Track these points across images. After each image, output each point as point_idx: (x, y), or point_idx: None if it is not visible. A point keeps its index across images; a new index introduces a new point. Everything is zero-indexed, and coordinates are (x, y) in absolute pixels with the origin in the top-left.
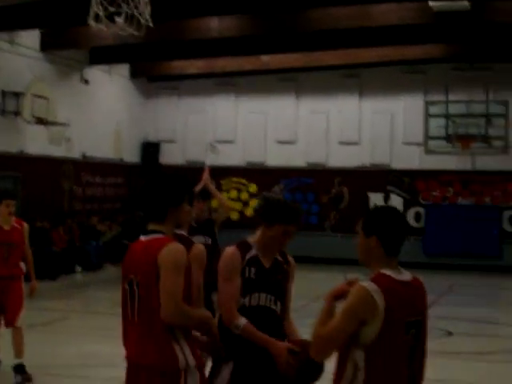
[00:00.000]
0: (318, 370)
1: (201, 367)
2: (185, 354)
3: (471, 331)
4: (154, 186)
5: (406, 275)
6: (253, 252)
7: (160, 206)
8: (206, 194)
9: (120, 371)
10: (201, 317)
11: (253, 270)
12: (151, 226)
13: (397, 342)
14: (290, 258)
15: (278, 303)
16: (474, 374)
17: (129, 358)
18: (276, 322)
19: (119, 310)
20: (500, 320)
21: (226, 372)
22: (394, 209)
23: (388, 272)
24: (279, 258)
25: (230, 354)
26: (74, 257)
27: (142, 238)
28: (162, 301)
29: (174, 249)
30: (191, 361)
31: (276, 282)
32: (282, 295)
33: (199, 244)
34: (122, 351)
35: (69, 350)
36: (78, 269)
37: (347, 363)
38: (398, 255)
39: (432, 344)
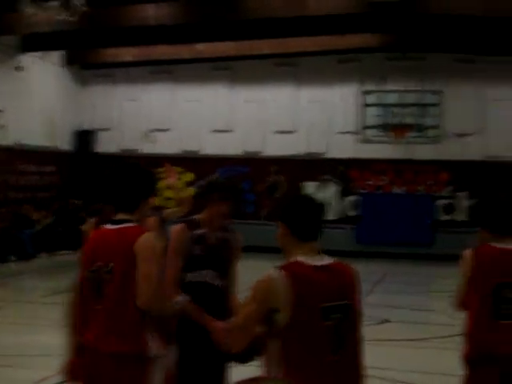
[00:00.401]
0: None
1: (163, 355)
2: (152, 342)
3: (406, 319)
4: (127, 176)
5: (324, 260)
6: (200, 229)
7: (133, 197)
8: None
9: (57, 360)
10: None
11: (200, 246)
12: (120, 216)
13: (312, 327)
14: (238, 235)
15: (224, 279)
16: (409, 361)
17: (89, 344)
18: (220, 298)
19: (54, 299)
20: (433, 307)
21: (173, 353)
22: (305, 196)
23: (300, 258)
24: (225, 235)
25: (176, 335)
26: (7, 246)
27: (110, 226)
28: (140, 287)
29: (151, 237)
30: (158, 349)
31: (221, 258)
32: (227, 271)
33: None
34: (58, 340)
35: (4, 339)
36: (12, 258)
37: (270, 352)
38: (315, 240)
39: (367, 331)
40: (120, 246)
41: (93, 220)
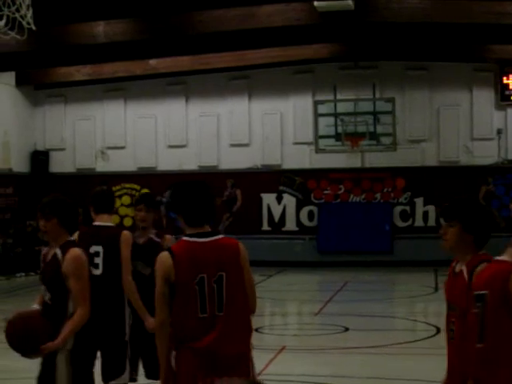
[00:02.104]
0: None
1: None
2: None
3: (367, 326)
4: (210, 194)
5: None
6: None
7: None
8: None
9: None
10: None
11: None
12: (200, 229)
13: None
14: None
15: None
16: (371, 368)
17: (209, 349)
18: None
19: None
20: (394, 313)
21: None
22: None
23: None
24: (154, 238)
25: None
26: None
27: (200, 239)
28: (251, 294)
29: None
30: None
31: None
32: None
33: None
34: (21, 364)
35: None
36: None
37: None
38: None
39: (328, 340)
40: (228, 257)
41: (171, 237)
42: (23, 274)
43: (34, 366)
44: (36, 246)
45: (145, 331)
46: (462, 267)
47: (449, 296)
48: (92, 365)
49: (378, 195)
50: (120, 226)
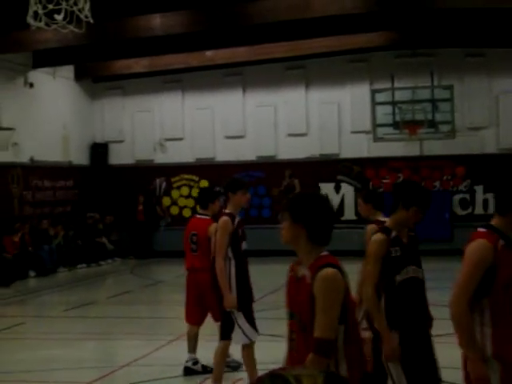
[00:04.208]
0: None
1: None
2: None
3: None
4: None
5: None
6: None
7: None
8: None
9: (77, 374)
10: None
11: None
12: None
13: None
14: None
15: None
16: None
17: None
18: None
19: (75, 313)
20: None
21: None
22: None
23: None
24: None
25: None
26: (26, 262)
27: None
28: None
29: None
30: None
31: None
32: None
33: None
34: (81, 353)
35: (26, 355)
36: (32, 274)
37: None
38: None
39: None
40: None
41: (373, 226)
42: (84, 265)
43: (85, 354)
44: (96, 237)
45: None
46: (305, 271)
47: (290, 303)
48: None
49: (437, 183)
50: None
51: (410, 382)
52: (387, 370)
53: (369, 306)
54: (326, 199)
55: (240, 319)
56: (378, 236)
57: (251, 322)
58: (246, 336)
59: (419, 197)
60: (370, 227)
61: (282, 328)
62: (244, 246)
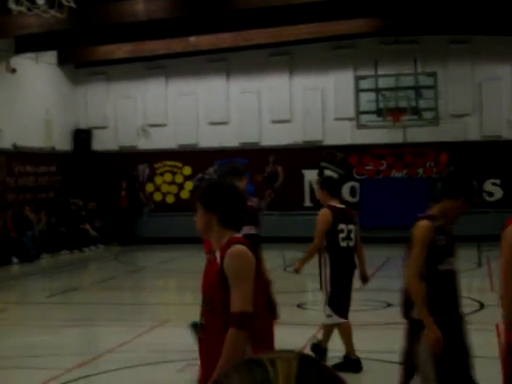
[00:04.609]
0: None
1: None
2: None
3: None
4: None
5: None
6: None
7: None
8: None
9: (65, 359)
10: None
11: None
12: None
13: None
14: None
15: None
16: None
17: None
18: None
19: (59, 299)
20: None
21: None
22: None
23: None
24: None
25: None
26: (9, 248)
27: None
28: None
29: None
30: None
31: None
32: None
33: None
34: (65, 339)
35: (9, 341)
36: (15, 260)
37: None
38: None
39: (371, 316)
40: None
41: (325, 210)
42: (67, 251)
43: (68, 341)
44: (79, 223)
45: None
46: (216, 255)
47: (203, 289)
48: None
49: (421, 170)
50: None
51: (440, 376)
52: (415, 361)
53: (411, 292)
54: (234, 186)
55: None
56: (425, 222)
57: None
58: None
59: (469, 188)
60: (322, 211)
61: None
62: (248, 230)
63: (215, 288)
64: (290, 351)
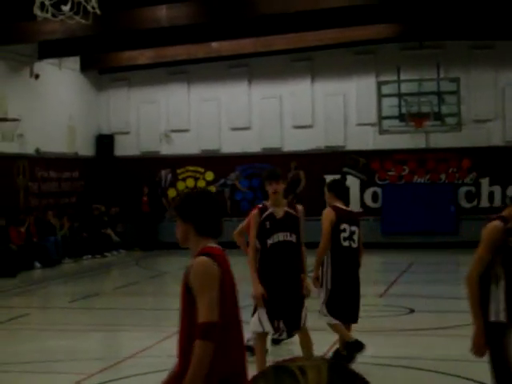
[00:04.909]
0: None
1: None
2: None
3: (432, 308)
4: None
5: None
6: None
7: None
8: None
9: (82, 365)
10: None
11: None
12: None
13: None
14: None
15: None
16: (437, 350)
17: None
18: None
19: (81, 304)
20: (459, 295)
21: None
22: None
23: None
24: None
25: None
26: (32, 253)
27: None
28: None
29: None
30: None
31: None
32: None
33: None
34: (86, 344)
35: (31, 346)
36: (37, 265)
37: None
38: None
39: (394, 322)
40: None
41: (329, 209)
42: (90, 256)
43: (90, 346)
44: (102, 228)
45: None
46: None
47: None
48: None
49: (443, 176)
50: None
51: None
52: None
53: (467, 290)
54: (209, 195)
55: (261, 308)
56: (496, 223)
57: (270, 314)
58: (261, 324)
59: None
60: (326, 210)
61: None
62: (276, 238)
63: (182, 297)
64: (319, 358)
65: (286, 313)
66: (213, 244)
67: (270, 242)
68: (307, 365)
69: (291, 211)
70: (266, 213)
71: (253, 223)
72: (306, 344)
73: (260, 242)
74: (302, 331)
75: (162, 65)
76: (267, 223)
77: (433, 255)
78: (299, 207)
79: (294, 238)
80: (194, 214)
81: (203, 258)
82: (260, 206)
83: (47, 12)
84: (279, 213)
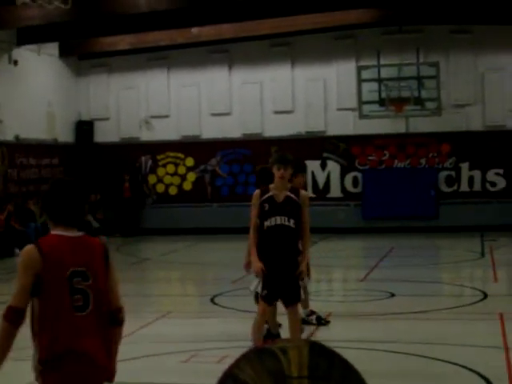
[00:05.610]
0: None
1: None
2: None
3: (413, 292)
4: None
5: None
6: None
7: None
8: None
9: None
10: None
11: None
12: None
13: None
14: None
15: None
16: (417, 334)
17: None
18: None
19: None
20: (440, 279)
21: None
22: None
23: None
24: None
25: None
26: (12, 240)
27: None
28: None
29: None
30: None
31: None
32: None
33: None
34: None
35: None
36: (18, 252)
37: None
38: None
39: (375, 306)
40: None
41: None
42: None
43: None
44: None
45: None
46: None
47: None
48: None
49: (423, 160)
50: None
51: None
52: None
53: None
54: (60, 183)
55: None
56: None
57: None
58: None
59: None
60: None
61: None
62: (273, 221)
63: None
64: (300, 339)
65: (282, 293)
66: (60, 231)
67: (267, 224)
68: (288, 346)
69: (292, 196)
70: (267, 195)
71: (253, 203)
72: (294, 326)
73: (259, 222)
74: (292, 314)
75: (141, 50)
76: (266, 205)
77: (413, 239)
78: (303, 192)
79: (291, 223)
80: (44, 204)
81: (27, 247)
82: (263, 187)
83: None
84: (280, 197)
